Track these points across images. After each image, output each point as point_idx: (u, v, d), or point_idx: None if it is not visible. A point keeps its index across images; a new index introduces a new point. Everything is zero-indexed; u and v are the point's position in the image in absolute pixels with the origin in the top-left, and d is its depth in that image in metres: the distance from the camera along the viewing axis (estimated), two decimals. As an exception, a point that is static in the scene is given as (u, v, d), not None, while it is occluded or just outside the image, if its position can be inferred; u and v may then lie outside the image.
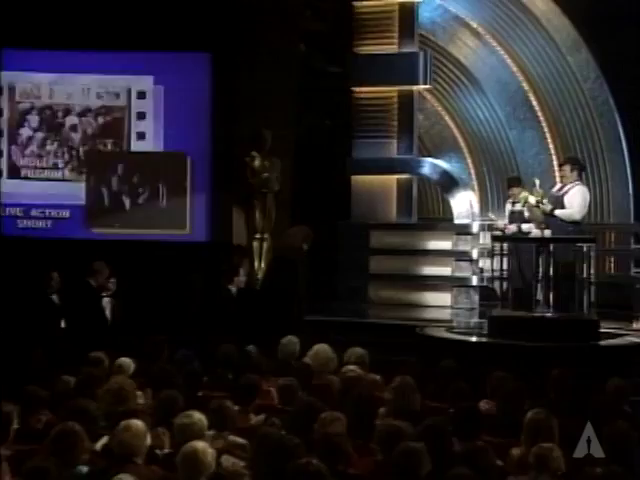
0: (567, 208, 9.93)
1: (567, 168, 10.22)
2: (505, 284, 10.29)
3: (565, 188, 10.09)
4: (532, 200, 10.09)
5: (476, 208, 12.80)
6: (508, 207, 10.99)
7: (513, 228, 10.66)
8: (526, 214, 10.49)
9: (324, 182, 13.08)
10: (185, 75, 13.02)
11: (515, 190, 10.83)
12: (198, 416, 5.41)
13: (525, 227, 10.55)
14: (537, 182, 10.09)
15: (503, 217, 11.13)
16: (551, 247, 9.64)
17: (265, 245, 12.41)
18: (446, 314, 11.85)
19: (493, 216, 11.68)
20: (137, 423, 5.16)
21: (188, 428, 5.32)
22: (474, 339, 10.03)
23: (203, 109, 13.05)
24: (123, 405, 5.90)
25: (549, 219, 9.92)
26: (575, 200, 9.96)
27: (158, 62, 12.98)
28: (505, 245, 10.33)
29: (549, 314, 9.61)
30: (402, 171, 12.88)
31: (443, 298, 12.38)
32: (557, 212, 9.93)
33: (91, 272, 10.14)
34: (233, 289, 10.27)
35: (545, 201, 9.94)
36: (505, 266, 10.26)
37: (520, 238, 10.43)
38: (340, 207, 12.89)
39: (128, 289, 10.78)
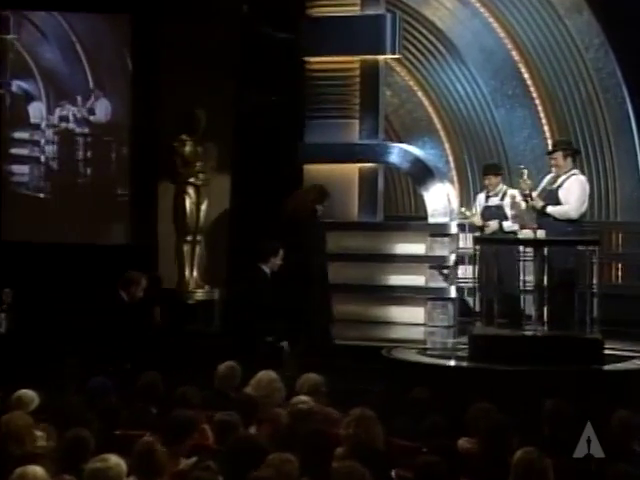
0: (562, 204, 9.97)
1: (559, 155, 10.15)
2: (490, 295, 10.34)
3: (559, 180, 10.08)
4: (517, 195, 10.16)
5: (455, 204, 12.84)
6: (481, 200, 11.01)
7: (494, 225, 10.71)
8: (509, 211, 10.55)
9: (270, 172, 13.07)
10: (100, 41, 13.03)
11: (493, 180, 10.89)
12: (115, 460, 5.40)
13: (507, 225, 10.62)
14: (525, 172, 10.08)
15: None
16: (545, 251, 9.71)
17: (198, 249, 12.40)
18: (419, 333, 11.91)
19: (464, 209, 11.65)
20: (35, 470, 5.15)
21: (102, 474, 5.30)
22: (452, 363, 10.09)
23: (122, 81, 13.03)
24: (19, 448, 5.87)
25: (540, 217, 9.97)
26: (572, 194, 9.98)
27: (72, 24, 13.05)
28: (487, 248, 10.37)
29: (542, 332, 9.69)
30: (365, 159, 12.92)
31: (415, 313, 12.43)
32: (550, 209, 9.95)
33: (125, 283, 9.78)
34: (267, 270, 10.28)
35: (535, 195, 10.00)
36: (485, 274, 10.31)
37: (509, 240, 10.45)
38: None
39: (28, 302, 10.72)
